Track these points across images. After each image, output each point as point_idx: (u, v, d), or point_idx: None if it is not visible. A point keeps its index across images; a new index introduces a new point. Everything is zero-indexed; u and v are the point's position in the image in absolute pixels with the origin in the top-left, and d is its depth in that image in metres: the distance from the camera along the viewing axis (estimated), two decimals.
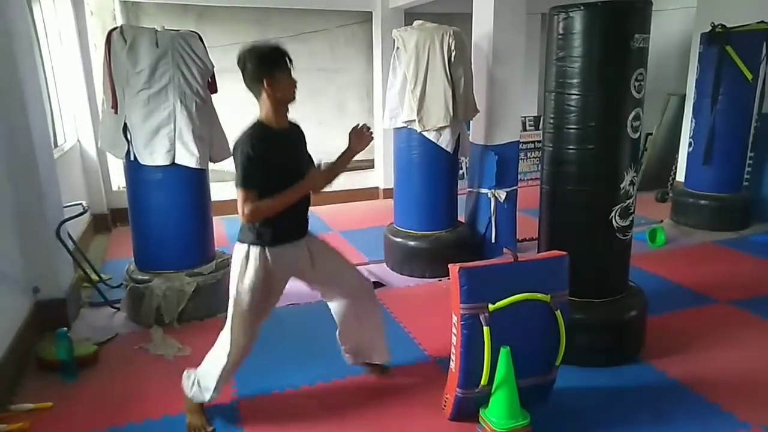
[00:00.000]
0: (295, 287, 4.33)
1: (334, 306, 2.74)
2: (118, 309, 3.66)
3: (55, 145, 4.67)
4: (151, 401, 2.70)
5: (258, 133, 2.25)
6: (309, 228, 2.56)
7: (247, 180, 2.19)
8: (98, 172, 5.69)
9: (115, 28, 3.34)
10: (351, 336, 2.78)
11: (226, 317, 2.44)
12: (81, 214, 3.89)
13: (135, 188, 3.57)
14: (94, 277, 3.99)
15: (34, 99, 3.37)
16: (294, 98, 2.30)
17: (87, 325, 3.51)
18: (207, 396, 2.47)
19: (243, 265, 2.33)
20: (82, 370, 2.94)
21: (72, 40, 5.30)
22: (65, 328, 3.00)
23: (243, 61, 2.22)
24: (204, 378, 2.47)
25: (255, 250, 2.31)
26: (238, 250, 2.35)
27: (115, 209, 5.72)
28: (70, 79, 5.34)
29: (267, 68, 2.20)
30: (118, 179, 5.86)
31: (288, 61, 2.25)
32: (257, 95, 2.26)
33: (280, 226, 2.32)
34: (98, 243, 5.33)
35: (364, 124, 2.50)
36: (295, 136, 2.45)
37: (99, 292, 3.77)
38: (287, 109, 2.33)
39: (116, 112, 3.37)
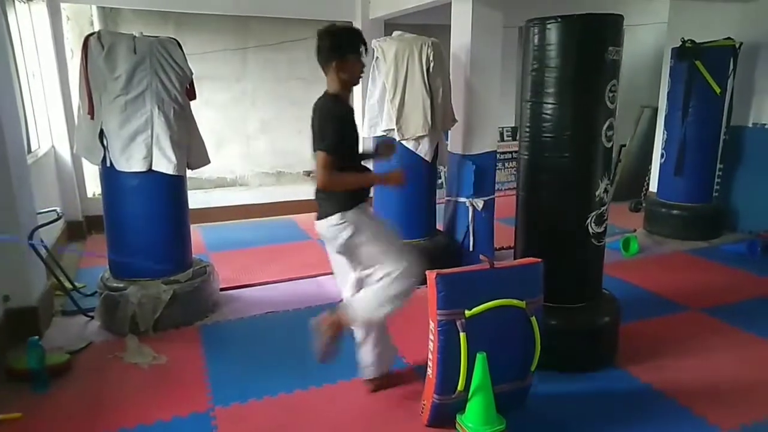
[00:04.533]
0: (275, 294, 4.30)
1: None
2: (92, 317, 3.60)
3: (29, 151, 4.60)
4: (126, 410, 2.65)
5: (341, 106, 2.47)
6: None
7: (334, 146, 2.34)
8: (73, 179, 5.60)
9: (92, 34, 3.32)
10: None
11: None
12: (55, 220, 3.83)
13: (111, 194, 3.53)
14: (67, 284, 3.91)
15: (7, 104, 3.31)
16: (358, 82, 2.51)
17: (60, 333, 3.44)
18: (382, 311, 2.51)
19: (352, 227, 2.47)
20: (55, 380, 2.88)
21: (48, 46, 5.23)
22: (36, 337, 2.93)
23: (320, 39, 2.43)
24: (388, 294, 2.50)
25: (350, 213, 2.48)
26: (338, 220, 2.47)
27: (90, 216, 5.63)
28: (45, 84, 5.27)
29: (339, 51, 2.39)
30: (93, 186, 5.78)
31: (362, 45, 2.45)
32: (326, 72, 2.48)
33: (359, 191, 2.54)
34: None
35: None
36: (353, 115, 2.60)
37: (72, 300, 3.69)
38: (351, 90, 2.57)
39: (92, 118, 3.33)
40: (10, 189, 3.24)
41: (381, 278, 2.50)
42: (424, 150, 4.19)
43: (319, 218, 2.57)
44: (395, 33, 4.31)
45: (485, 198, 4.42)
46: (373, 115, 4.33)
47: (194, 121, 3.67)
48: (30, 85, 5.03)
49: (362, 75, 2.53)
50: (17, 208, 3.28)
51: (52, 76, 5.29)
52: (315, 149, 2.42)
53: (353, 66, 2.46)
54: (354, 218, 2.50)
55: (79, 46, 3.41)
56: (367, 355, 2.75)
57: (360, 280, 2.64)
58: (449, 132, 4.57)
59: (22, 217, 3.35)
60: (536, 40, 2.84)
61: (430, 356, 2.40)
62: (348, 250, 2.57)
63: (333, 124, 2.38)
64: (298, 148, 7.38)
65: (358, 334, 2.73)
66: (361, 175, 2.57)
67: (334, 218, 2.49)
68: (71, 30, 5.71)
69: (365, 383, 2.80)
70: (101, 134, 3.34)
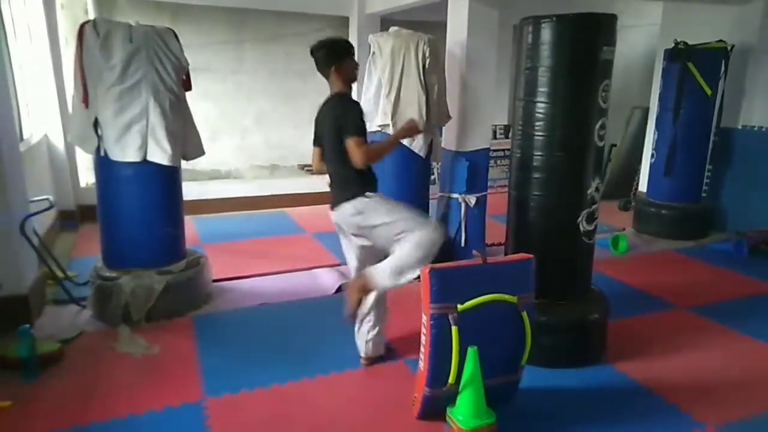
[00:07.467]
0: (268, 286, 4.31)
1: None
2: (84, 306, 3.60)
3: (22, 139, 4.57)
4: (118, 399, 2.66)
5: (353, 100, 2.87)
6: None
7: (361, 129, 2.69)
8: (66, 168, 5.57)
9: (87, 21, 3.30)
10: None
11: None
12: (47, 209, 3.81)
13: (105, 184, 3.52)
14: (59, 273, 3.91)
15: (0, 91, 3.29)
16: (356, 78, 2.89)
17: (51, 322, 3.43)
18: (409, 276, 2.71)
19: (374, 204, 2.74)
20: (46, 369, 2.88)
21: (41, 34, 5.19)
22: (27, 326, 2.93)
23: (315, 52, 2.80)
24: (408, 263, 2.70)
25: (366, 197, 2.75)
26: (360, 202, 2.74)
27: (83, 206, 5.61)
28: (38, 72, 5.23)
29: (336, 57, 2.77)
30: (86, 176, 5.75)
31: (351, 48, 2.85)
32: (328, 77, 2.83)
33: (371, 181, 2.84)
34: (65, 240, 5.21)
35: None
36: None
37: (64, 289, 3.69)
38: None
39: (87, 107, 3.32)
40: (2, 177, 3.22)
41: (407, 245, 2.68)
42: (418, 146, 4.21)
43: (338, 204, 2.80)
44: (392, 29, 4.32)
45: (477, 194, 4.44)
46: (368, 110, 4.32)
47: (190, 111, 3.67)
48: (23, 72, 4.99)
49: (357, 70, 2.89)
50: (9, 195, 3.27)
51: (45, 64, 5.25)
52: (343, 138, 2.68)
53: (349, 66, 2.83)
54: (371, 200, 2.76)
55: (74, 34, 3.39)
56: (367, 333, 2.95)
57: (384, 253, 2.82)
58: (443, 128, 4.59)
59: (14, 205, 3.34)
60: (530, 39, 2.86)
61: (422, 349, 2.43)
62: (369, 230, 2.77)
63: (357, 113, 2.73)
64: (293, 142, 7.38)
65: (365, 312, 2.91)
66: (386, 141, 3.05)
67: (354, 201, 2.74)
68: (65, 18, 5.66)
69: (362, 360, 3.00)
70: (96, 123, 3.33)
